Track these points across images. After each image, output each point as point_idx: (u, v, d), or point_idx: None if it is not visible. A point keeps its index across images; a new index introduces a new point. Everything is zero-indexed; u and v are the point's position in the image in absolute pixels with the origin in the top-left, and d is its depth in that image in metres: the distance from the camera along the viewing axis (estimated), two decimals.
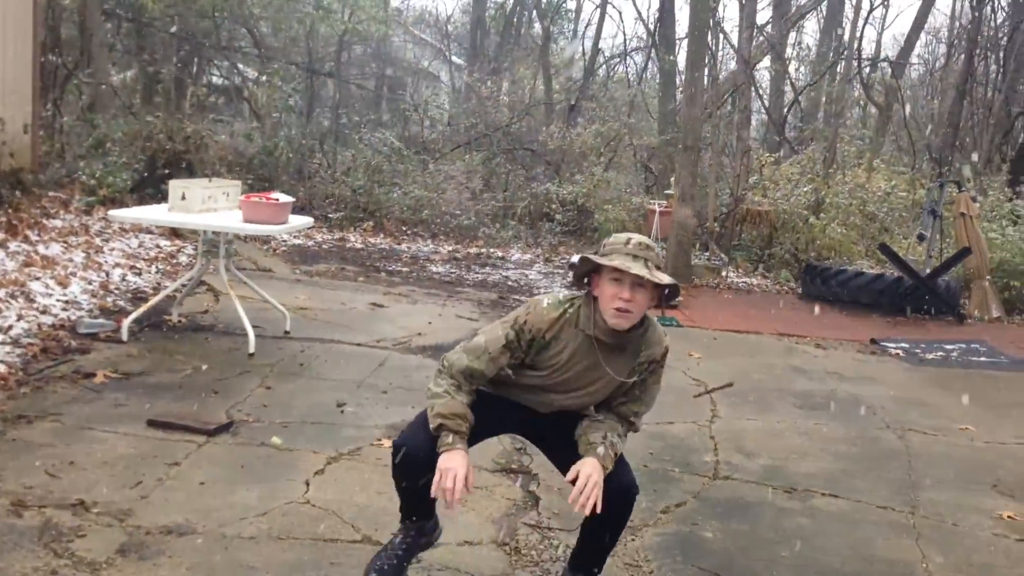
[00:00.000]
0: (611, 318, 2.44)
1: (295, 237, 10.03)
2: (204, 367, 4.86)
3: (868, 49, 19.26)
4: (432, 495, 2.42)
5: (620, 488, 2.57)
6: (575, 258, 2.49)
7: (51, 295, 5.84)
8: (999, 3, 15.90)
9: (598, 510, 2.44)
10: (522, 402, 2.67)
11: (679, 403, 5.07)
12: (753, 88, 13.84)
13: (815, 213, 10.87)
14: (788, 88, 16.30)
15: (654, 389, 2.68)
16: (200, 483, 3.39)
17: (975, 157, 9.99)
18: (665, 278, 2.44)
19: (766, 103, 16.52)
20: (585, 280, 2.57)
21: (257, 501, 3.27)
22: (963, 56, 15.80)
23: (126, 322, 5.26)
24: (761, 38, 14.07)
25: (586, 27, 20.83)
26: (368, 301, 7.11)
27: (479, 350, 2.53)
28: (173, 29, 13.36)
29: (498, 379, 2.61)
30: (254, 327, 5.28)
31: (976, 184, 11.70)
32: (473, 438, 2.51)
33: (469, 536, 3.18)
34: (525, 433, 2.85)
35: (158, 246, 8.12)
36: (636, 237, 2.48)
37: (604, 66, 18.36)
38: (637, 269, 2.38)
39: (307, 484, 3.48)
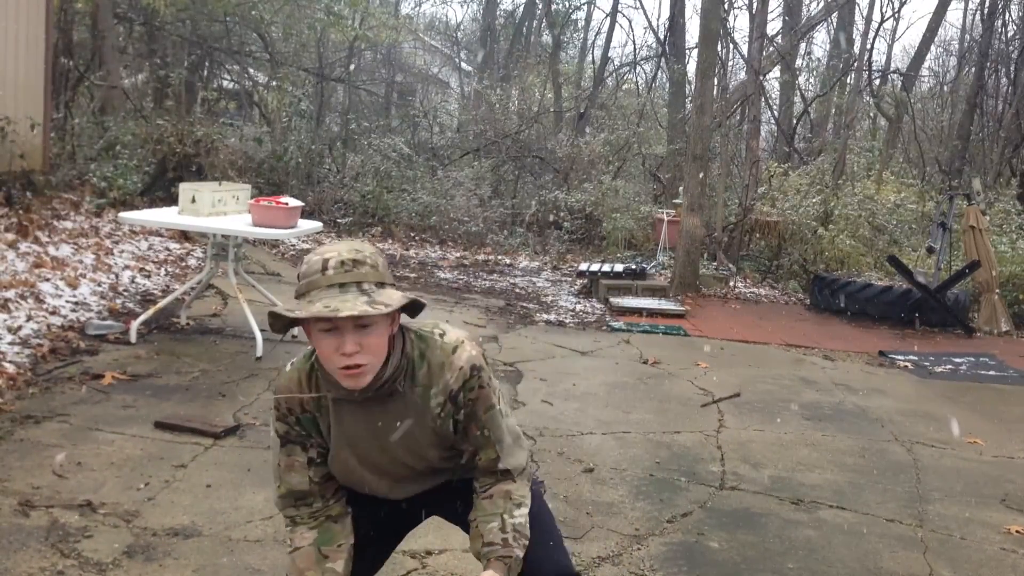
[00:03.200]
0: (343, 380, 1.79)
1: (304, 242, 10.05)
2: (212, 370, 4.87)
3: (878, 61, 19.26)
4: None
5: None
6: (273, 327, 1.87)
7: (60, 296, 5.85)
8: (1010, 16, 15.89)
9: None
10: (372, 498, 2.06)
11: (686, 412, 5.06)
12: (763, 98, 13.83)
13: (824, 224, 10.85)
14: (798, 98, 16.30)
15: (495, 420, 1.96)
16: (207, 485, 3.39)
17: (977, 185, 9.95)
18: (394, 297, 1.76)
19: (776, 113, 16.52)
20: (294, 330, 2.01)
21: (263, 504, 3.27)
22: (974, 69, 15.79)
23: (135, 324, 5.28)
24: (771, 48, 14.07)
25: (596, 36, 20.90)
26: None
27: (274, 469, 2.00)
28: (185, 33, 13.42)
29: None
30: (262, 331, 5.29)
31: (985, 198, 11.67)
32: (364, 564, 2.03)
33: None
34: (411, 524, 2.22)
35: (167, 249, 8.14)
36: (333, 253, 1.78)
37: (614, 75, 18.39)
38: (348, 307, 1.69)
39: None
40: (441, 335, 1.95)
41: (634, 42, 21.12)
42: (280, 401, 1.93)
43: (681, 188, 10.25)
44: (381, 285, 1.79)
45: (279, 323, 1.83)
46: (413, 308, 1.87)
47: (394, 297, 1.77)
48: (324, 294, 1.73)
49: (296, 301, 1.79)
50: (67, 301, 5.81)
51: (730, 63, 15.44)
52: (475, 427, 1.95)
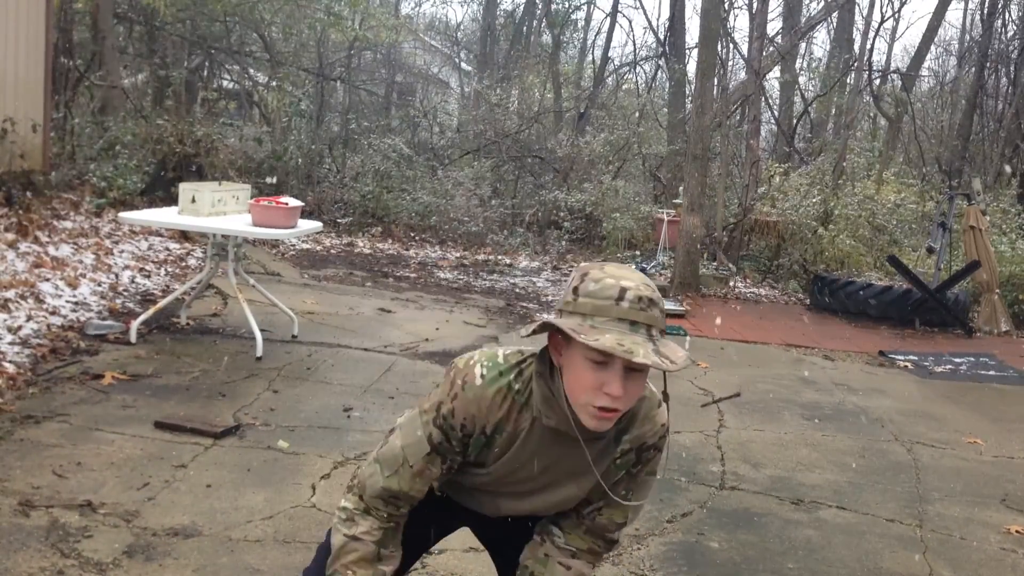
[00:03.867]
0: (588, 418, 1.61)
1: (304, 242, 10.05)
2: (212, 370, 4.87)
3: (878, 61, 19.25)
4: None
5: None
6: (526, 329, 1.69)
7: (60, 296, 5.85)
8: (1010, 16, 15.90)
9: None
10: (462, 503, 1.94)
11: (686, 413, 5.06)
12: (763, 98, 13.83)
13: (824, 224, 10.85)
14: (798, 98, 16.30)
15: (646, 484, 1.86)
16: (207, 485, 3.39)
17: (977, 185, 9.95)
18: (678, 356, 1.58)
19: (776, 113, 16.52)
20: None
21: (263, 504, 3.27)
22: (974, 69, 15.79)
23: (135, 324, 5.28)
24: (771, 48, 14.07)
25: (596, 36, 20.91)
26: (376, 306, 7.11)
27: (396, 461, 1.77)
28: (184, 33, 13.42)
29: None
30: (262, 331, 5.29)
31: (985, 198, 11.67)
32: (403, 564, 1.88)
33: (475, 543, 3.17)
34: (473, 530, 2.13)
35: (167, 249, 8.14)
36: (632, 285, 1.58)
37: (614, 75, 18.39)
38: (641, 353, 1.51)
39: (313, 488, 3.48)
40: (647, 383, 1.76)
41: (634, 42, 21.17)
42: (462, 415, 1.70)
43: (681, 188, 10.25)
44: (663, 332, 1.62)
45: (542, 330, 1.66)
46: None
47: (678, 356, 1.58)
48: (614, 327, 1.55)
49: (570, 317, 1.59)
50: (67, 301, 5.81)
51: (730, 63, 15.44)
52: (629, 483, 1.82)
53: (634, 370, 1.57)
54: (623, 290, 1.57)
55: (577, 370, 1.59)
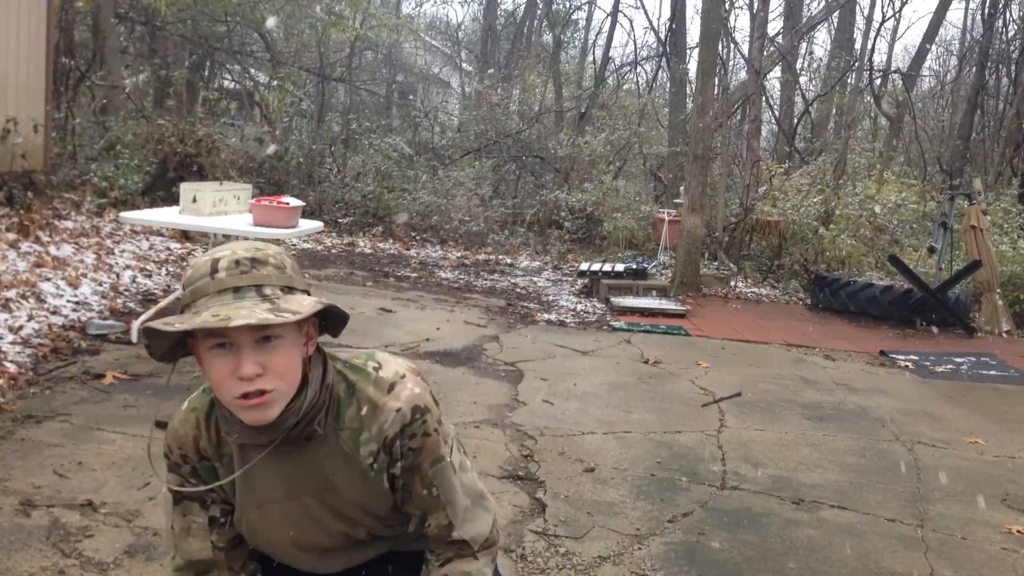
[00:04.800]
0: (242, 413, 1.42)
1: (305, 241, 10.05)
2: None
3: (879, 61, 19.25)
4: None
5: None
6: (140, 326, 1.38)
7: (62, 296, 5.86)
8: (1011, 16, 15.89)
9: None
10: (296, 568, 1.70)
11: (687, 412, 5.06)
12: (764, 98, 13.83)
13: (824, 224, 10.85)
14: (799, 98, 16.29)
15: (445, 476, 1.59)
16: None
17: (978, 185, 9.95)
18: (304, 304, 1.40)
19: (776, 113, 16.51)
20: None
21: None
22: (974, 69, 15.79)
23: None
24: (772, 48, 14.07)
25: (596, 36, 20.90)
26: (377, 306, 7.11)
27: (167, 535, 1.65)
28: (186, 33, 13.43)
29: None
30: None
31: (986, 198, 11.67)
32: None
33: None
34: None
35: (168, 248, 8.15)
36: (226, 253, 1.43)
37: (615, 74, 18.39)
38: (243, 315, 1.33)
39: None
40: (376, 368, 1.57)
41: (635, 42, 21.15)
42: (171, 447, 1.58)
43: (682, 188, 10.25)
44: (289, 290, 1.43)
45: (159, 343, 1.44)
46: (333, 322, 1.55)
47: (305, 304, 1.40)
48: (214, 301, 1.36)
49: (183, 314, 1.40)
50: (68, 301, 5.81)
51: (731, 63, 15.45)
52: (420, 484, 1.57)
53: (266, 339, 1.39)
54: (216, 261, 1.41)
55: (209, 367, 1.41)
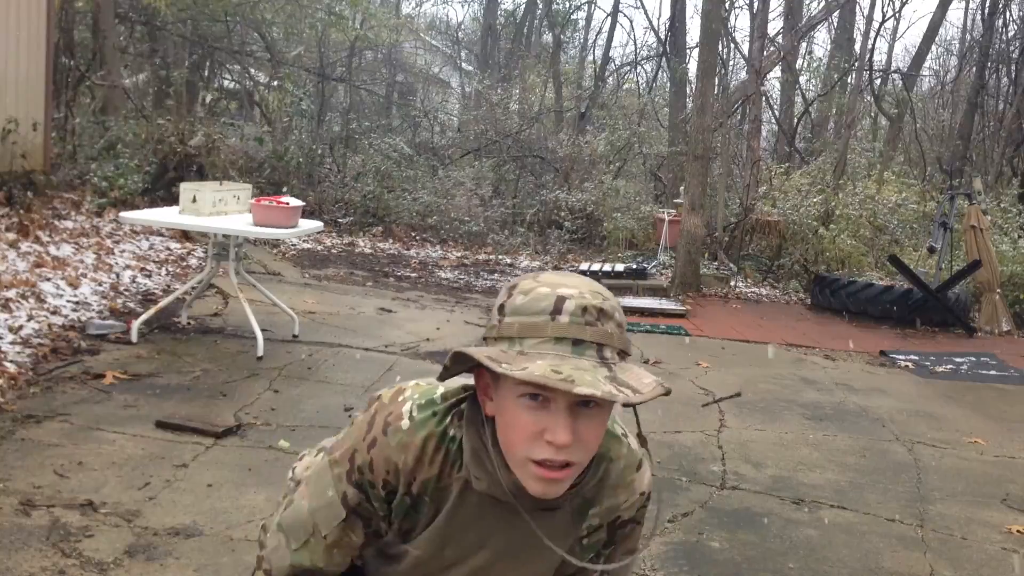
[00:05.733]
0: (530, 479, 1.22)
1: (304, 241, 10.05)
2: (213, 369, 4.87)
3: (879, 61, 19.25)
4: None
5: None
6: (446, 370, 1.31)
7: (61, 296, 5.86)
8: (1011, 16, 15.89)
9: None
10: None
11: (687, 412, 5.06)
12: (764, 98, 13.83)
13: (825, 224, 10.85)
14: (799, 98, 16.30)
15: (624, 571, 1.49)
16: (208, 485, 3.39)
17: (978, 185, 9.97)
18: (646, 383, 1.18)
19: (776, 113, 16.51)
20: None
21: (264, 504, 3.27)
22: (974, 69, 15.79)
23: (136, 324, 5.28)
24: (772, 48, 14.07)
25: (596, 35, 20.90)
26: (377, 306, 7.12)
27: (304, 530, 1.38)
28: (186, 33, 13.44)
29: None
30: (263, 330, 5.29)
31: (986, 198, 11.67)
32: None
33: None
34: None
35: (168, 248, 8.15)
36: (574, 292, 1.21)
37: (615, 74, 18.40)
38: (588, 380, 1.12)
39: None
40: (624, 434, 1.39)
41: (635, 42, 21.15)
42: (375, 465, 1.31)
43: (682, 188, 10.25)
44: (623, 354, 1.23)
45: (458, 367, 1.26)
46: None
47: (644, 383, 1.17)
48: (551, 349, 1.17)
49: (497, 344, 1.21)
50: (68, 301, 5.81)
51: (731, 63, 15.45)
52: (604, 563, 1.43)
53: (586, 406, 1.18)
54: (561, 299, 1.20)
55: (509, 415, 1.21)
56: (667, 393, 1.20)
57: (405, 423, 1.31)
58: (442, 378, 1.30)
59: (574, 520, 1.35)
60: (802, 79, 16.28)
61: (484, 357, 1.17)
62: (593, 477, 1.33)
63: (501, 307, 1.25)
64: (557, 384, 1.10)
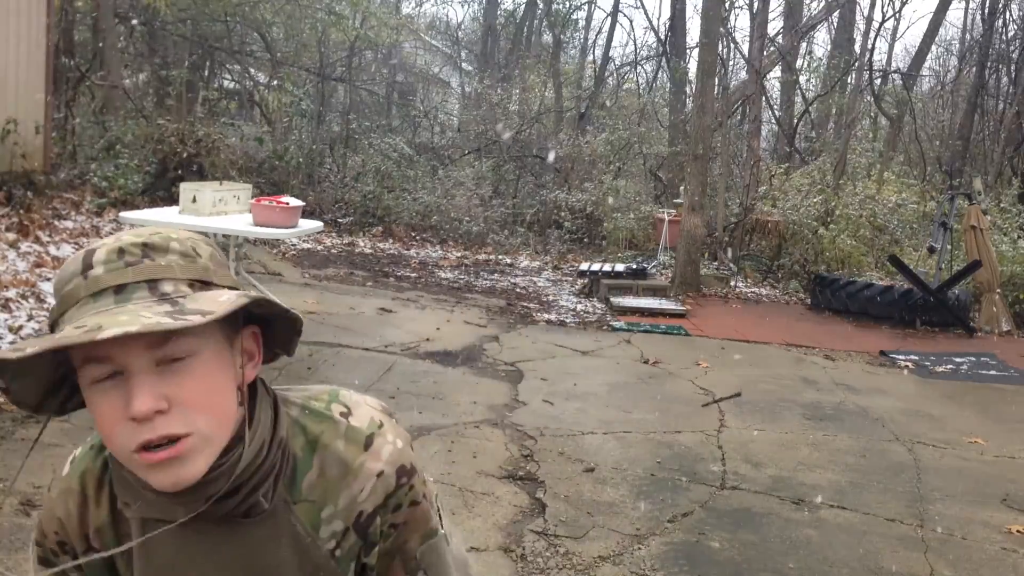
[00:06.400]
0: (146, 474, 0.96)
1: (304, 241, 10.05)
2: None
3: (879, 61, 19.26)
4: None
5: None
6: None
7: None
8: (1011, 16, 15.90)
9: None
10: None
11: (687, 412, 5.06)
12: (764, 98, 13.83)
13: (824, 224, 10.85)
14: (799, 98, 16.30)
15: (437, 555, 1.17)
16: None
17: (978, 185, 9.97)
18: (222, 299, 0.94)
19: (776, 113, 16.52)
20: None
21: None
22: (974, 69, 15.80)
23: None
24: (772, 48, 14.07)
25: (596, 35, 20.91)
26: (376, 306, 7.11)
27: None
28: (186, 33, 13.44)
29: None
30: None
31: (986, 198, 11.68)
32: None
33: (476, 542, 3.18)
34: None
35: None
36: (107, 242, 0.98)
37: (615, 74, 18.40)
38: (120, 321, 0.87)
39: None
40: (345, 413, 1.12)
41: (635, 42, 21.16)
42: (45, 530, 1.11)
43: (682, 188, 10.26)
44: (203, 285, 0.99)
45: (23, 384, 1.00)
46: (280, 333, 1.09)
47: (221, 300, 0.94)
48: (88, 309, 0.93)
49: (32, 344, 0.90)
50: None
51: (731, 63, 15.45)
52: (402, 570, 1.15)
53: (174, 360, 0.94)
54: (90, 253, 0.97)
55: (93, 410, 0.96)
56: (258, 300, 0.98)
57: (65, 469, 1.12)
58: (17, 403, 1.02)
59: (307, 532, 1.08)
60: (802, 79, 16.28)
61: (4, 350, 0.89)
62: (306, 471, 1.08)
63: (53, 291, 1.01)
64: (76, 339, 0.85)
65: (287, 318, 1.05)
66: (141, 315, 0.89)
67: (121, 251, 0.96)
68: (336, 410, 1.13)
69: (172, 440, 0.94)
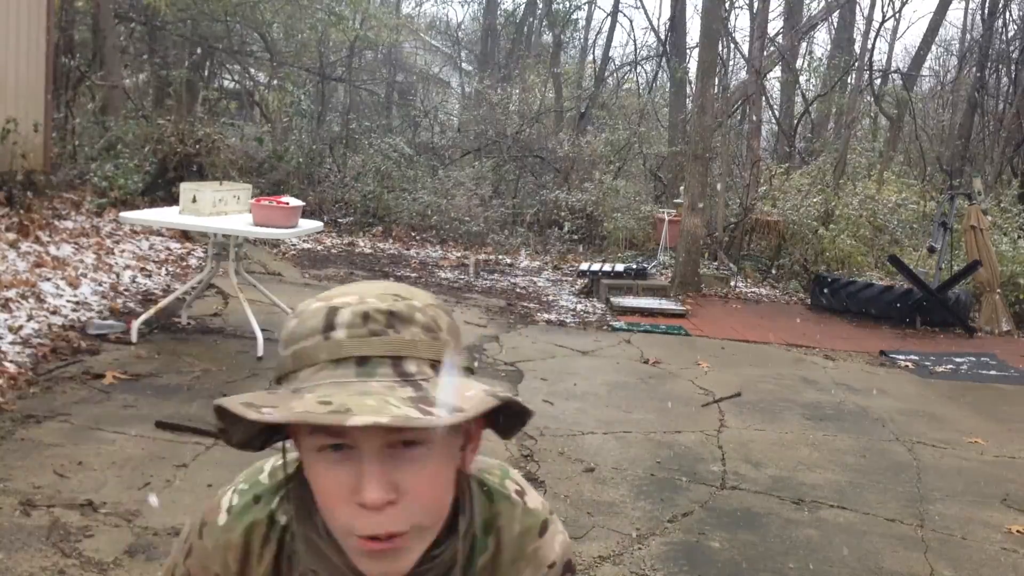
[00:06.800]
0: (360, 560, 0.94)
1: (304, 241, 10.05)
2: (213, 369, 4.87)
3: (879, 60, 19.25)
4: None
5: None
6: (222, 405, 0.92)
7: (62, 296, 5.86)
8: (1010, 16, 15.90)
9: None
10: None
11: (687, 412, 5.06)
12: (764, 98, 13.83)
13: (824, 224, 10.85)
14: (798, 98, 16.30)
15: None
16: (208, 485, 3.39)
17: (979, 185, 9.98)
18: (471, 393, 0.91)
19: (776, 113, 16.52)
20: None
21: None
22: (974, 69, 15.80)
23: (136, 323, 5.28)
24: (772, 48, 14.07)
25: (596, 35, 20.91)
26: None
27: None
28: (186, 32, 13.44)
29: None
30: (263, 330, 5.29)
31: (986, 198, 11.68)
32: None
33: None
34: None
35: (168, 248, 8.15)
36: (350, 300, 0.93)
37: (615, 74, 18.40)
38: (371, 407, 0.83)
39: None
40: (520, 492, 1.09)
41: (635, 42, 21.15)
42: (190, 567, 1.09)
43: (682, 188, 10.25)
44: (440, 367, 0.93)
45: (236, 429, 0.98)
46: (513, 415, 1.00)
47: (470, 394, 0.91)
48: (329, 376, 0.90)
49: (281, 386, 0.94)
50: (68, 301, 5.81)
51: (731, 63, 15.45)
52: None
53: (408, 447, 0.90)
54: (333, 311, 0.92)
55: (314, 479, 0.94)
56: (505, 404, 0.94)
57: (222, 517, 1.05)
58: (228, 441, 1.01)
59: None
60: (802, 79, 16.29)
61: (239, 404, 0.88)
62: (482, 551, 1.04)
63: (283, 339, 0.96)
64: (322, 419, 0.83)
65: (520, 410, 0.99)
66: (389, 402, 0.85)
67: (366, 316, 0.92)
68: (511, 488, 1.09)
69: (393, 537, 0.91)
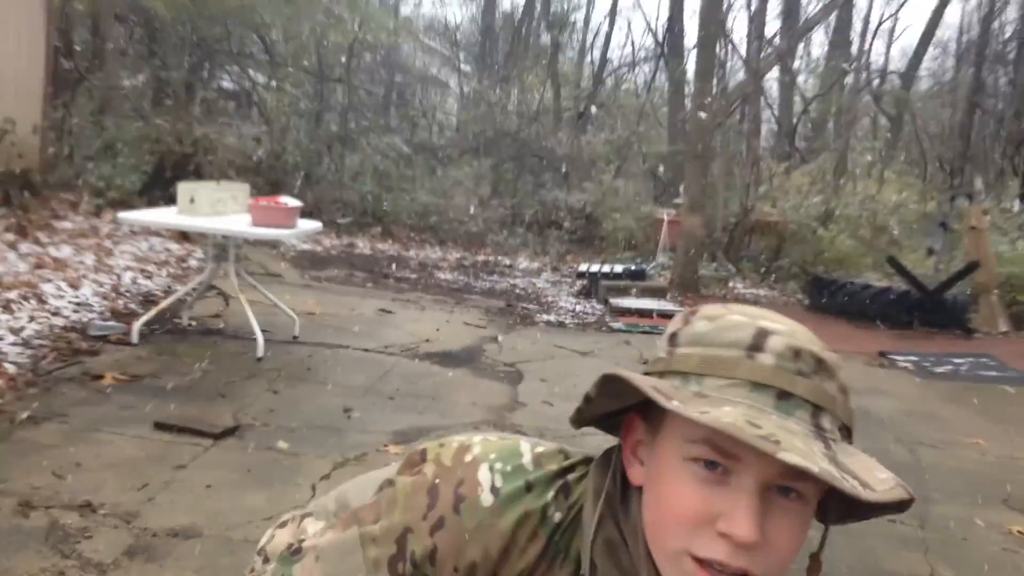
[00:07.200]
0: None
1: (304, 242, 10.05)
2: (213, 370, 4.86)
3: (876, 61, 19.26)
4: None
5: None
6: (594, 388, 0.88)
7: (63, 297, 5.85)
8: (1007, 18, 15.92)
9: None
10: None
11: None
12: (762, 98, 13.84)
13: (824, 224, 10.85)
14: (798, 98, 16.31)
15: None
16: (207, 486, 3.39)
17: (979, 185, 10.00)
18: (881, 476, 0.87)
19: (775, 113, 16.52)
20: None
21: (263, 504, 3.26)
22: (971, 69, 15.81)
23: (136, 325, 5.27)
24: (770, 49, 14.07)
25: (594, 37, 20.92)
26: (376, 307, 7.11)
27: None
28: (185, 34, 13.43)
29: None
30: (263, 331, 5.28)
31: (986, 198, 11.69)
32: None
33: None
34: None
35: (167, 249, 8.14)
36: (781, 328, 0.89)
37: (613, 75, 18.41)
38: (797, 447, 0.78)
39: (313, 488, 3.47)
40: None
41: (633, 43, 21.20)
42: (452, 560, 0.94)
43: (681, 188, 10.26)
44: (846, 433, 0.93)
45: (605, 400, 0.92)
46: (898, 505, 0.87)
47: (881, 478, 0.86)
48: (744, 397, 0.84)
49: (665, 379, 0.88)
50: (69, 302, 5.80)
51: (729, 63, 15.45)
52: None
53: (785, 495, 0.86)
54: (763, 333, 0.87)
55: (668, 486, 0.86)
56: (910, 500, 0.86)
57: (487, 498, 0.94)
58: (579, 418, 0.95)
59: None
60: (800, 79, 16.30)
61: (649, 387, 0.82)
62: None
63: (673, 336, 0.91)
64: (755, 441, 0.76)
65: (898, 503, 0.86)
66: (813, 449, 0.80)
67: (797, 353, 0.87)
68: None
69: (733, 573, 0.85)
